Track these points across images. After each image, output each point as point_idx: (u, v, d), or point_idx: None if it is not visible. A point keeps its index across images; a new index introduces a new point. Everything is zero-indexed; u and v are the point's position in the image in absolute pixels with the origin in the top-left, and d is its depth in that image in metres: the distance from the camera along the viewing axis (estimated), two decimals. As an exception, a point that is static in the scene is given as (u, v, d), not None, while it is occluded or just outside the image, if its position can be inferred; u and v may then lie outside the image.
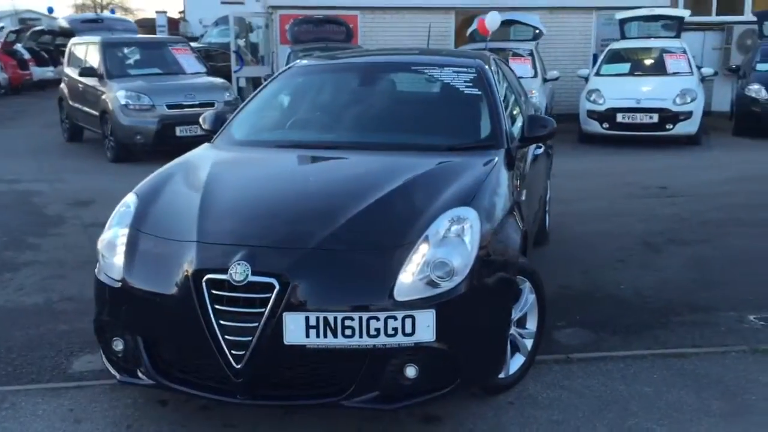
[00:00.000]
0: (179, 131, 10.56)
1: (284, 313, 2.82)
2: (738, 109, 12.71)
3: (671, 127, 11.29)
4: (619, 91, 11.80)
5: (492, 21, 12.08)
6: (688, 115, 11.29)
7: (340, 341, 2.83)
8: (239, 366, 2.88)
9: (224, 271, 2.90)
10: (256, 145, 4.12)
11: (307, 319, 2.82)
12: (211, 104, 10.84)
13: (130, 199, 3.46)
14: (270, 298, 2.85)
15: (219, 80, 11.85)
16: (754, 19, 15.19)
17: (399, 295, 2.86)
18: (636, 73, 12.50)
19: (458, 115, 4.16)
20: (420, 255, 2.94)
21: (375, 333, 2.82)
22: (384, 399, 2.93)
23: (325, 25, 13.82)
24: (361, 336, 2.82)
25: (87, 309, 4.68)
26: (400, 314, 2.82)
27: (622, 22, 14.25)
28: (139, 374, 3.15)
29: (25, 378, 3.79)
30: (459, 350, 2.95)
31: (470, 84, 4.28)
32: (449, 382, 2.98)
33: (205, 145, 4.24)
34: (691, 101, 11.39)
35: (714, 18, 16.54)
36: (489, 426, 3.27)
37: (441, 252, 2.95)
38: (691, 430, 3.25)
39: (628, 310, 4.69)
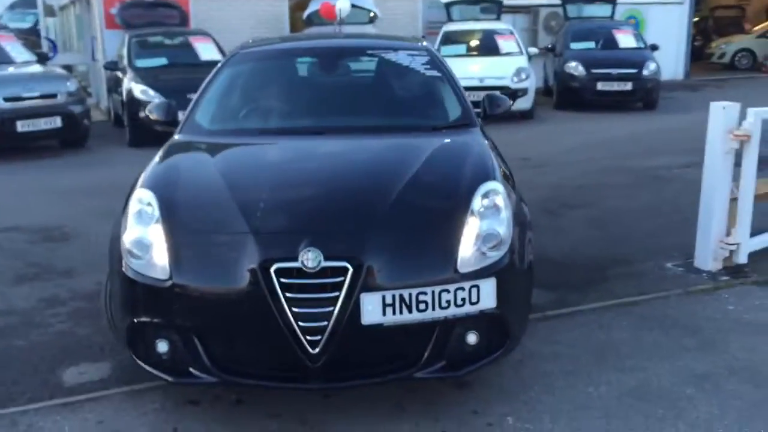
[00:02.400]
0: (20, 126, 9.72)
1: (361, 294, 2.90)
2: (559, 85, 13.97)
3: (512, 103, 12.16)
4: (460, 71, 12.45)
5: (343, 5, 12.24)
6: (525, 91, 12.26)
7: (415, 316, 2.95)
8: (315, 351, 2.91)
9: (294, 259, 2.90)
10: (238, 133, 4.04)
11: (383, 297, 2.91)
12: (53, 96, 10.09)
13: (146, 195, 3.30)
14: (344, 281, 2.90)
15: (58, 69, 11.00)
16: (559, 2, 16.70)
17: (462, 267, 3.04)
18: (472, 54, 13.31)
19: (428, 96, 4.36)
20: (472, 228, 3.13)
21: (446, 305, 2.97)
22: (450, 367, 3.10)
23: (158, 9, 13.29)
24: (433, 309, 2.96)
25: (32, 321, 4.38)
26: (467, 285, 3.00)
27: (448, 5, 15.08)
28: (194, 372, 3.06)
29: (21, 398, 3.49)
30: (509, 313, 3.18)
31: (428, 66, 4.49)
32: (501, 344, 3.20)
33: (176, 137, 4.08)
34: (526, 78, 12.38)
35: (524, 2, 17.90)
36: (516, 382, 3.55)
37: (487, 224, 3.17)
38: (678, 364, 3.74)
39: (564, 269, 5.18)
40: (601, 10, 16.15)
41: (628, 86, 13.17)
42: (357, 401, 3.36)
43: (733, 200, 4.93)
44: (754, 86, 18.66)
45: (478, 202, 3.23)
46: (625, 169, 8.57)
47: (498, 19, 14.97)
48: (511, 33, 13.59)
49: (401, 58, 4.56)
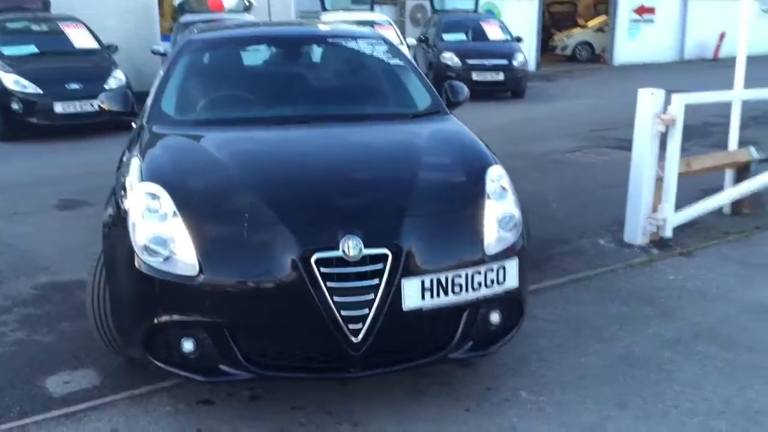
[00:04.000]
0: None
1: (402, 280, 2.92)
2: (434, 75, 14.35)
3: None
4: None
5: (229, -1, 11.95)
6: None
7: (451, 299, 3.01)
8: (357, 339, 2.90)
9: (334, 248, 2.87)
10: (218, 123, 3.85)
11: (422, 282, 2.95)
12: None
13: (154, 189, 3.10)
14: (383, 268, 2.91)
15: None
16: (425, -6, 17.17)
17: (488, 249, 3.13)
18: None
19: (399, 84, 4.38)
20: (491, 211, 3.23)
21: (477, 286, 3.05)
22: (477, 347, 3.19)
23: (17, -8, 12.26)
24: (467, 291, 3.03)
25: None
26: (495, 266, 3.10)
27: (322, -6, 15.07)
28: (225, 370, 2.95)
29: (12, 412, 3.20)
30: (524, 291, 3.33)
31: (390, 54, 4.53)
32: (517, 321, 3.33)
33: (146, 127, 3.84)
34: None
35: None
36: (515, 359, 3.70)
37: (502, 207, 3.29)
38: (648, 332, 4.05)
39: (509, 250, 5.41)
40: (465, 3, 16.77)
41: (500, 76, 13.79)
42: (373, 388, 3.37)
43: (659, 179, 5.36)
44: (597, 75, 20.22)
45: (490, 186, 3.34)
46: (520, 155, 8.97)
47: (372, 9, 15.14)
48: (390, 24, 13.81)
49: (362, 46, 4.57)
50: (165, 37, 13.96)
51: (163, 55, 11.98)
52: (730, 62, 20.17)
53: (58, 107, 9.70)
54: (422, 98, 4.31)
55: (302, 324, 2.93)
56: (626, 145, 9.37)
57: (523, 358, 3.72)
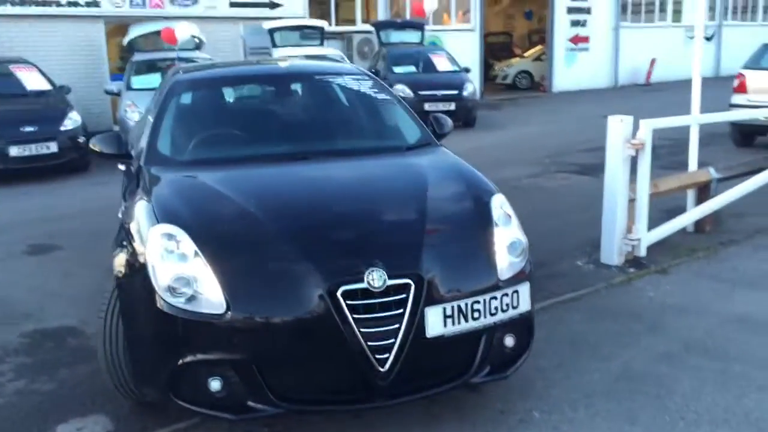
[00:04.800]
0: None
1: (426, 309, 3.00)
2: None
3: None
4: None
5: (183, 32, 11.92)
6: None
7: (471, 324, 3.10)
8: (384, 369, 2.96)
9: (360, 280, 2.93)
10: (219, 162, 3.87)
11: (444, 309, 3.03)
12: None
13: (170, 230, 3.11)
14: (407, 297, 2.98)
15: None
16: (370, 29, 17.42)
17: (502, 274, 3.25)
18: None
19: (389, 118, 4.49)
20: (500, 238, 3.35)
21: (494, 311, 3.16)
22: (495, 370, 3.28)
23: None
24: (485, 316, 3.13)
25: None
26: (510, 291, 3.21)
27: (271, 31, 15.17)
28: (254, 406, 2.96)
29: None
30: (533, 313, 3.44)
31: (376, 90, 4.65)
32: (528, 343, 3.44)
33: (145, 169, 3.85)
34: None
35: (338, 29, 18.40)
36: (520, 380, 3.75)
37: (510, 233, 3.41)
38: (641, 347, 4.21)
39: (492, 275, 5.54)
40: (412, 36, 17.10)
41: (452, 106, 14.06)
42: (387, 416, 3.41)
43: (631, 201, 5.59)
44: (540, 102, 20.79)
45: (496, 213, 3.46)
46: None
47: (321, 44, 15.31)
48: (342, 58, 13.97)
49: (349, 82, 4.68)
50: (115, 77, 13.83)
51: (116, 94, 11.89)
52: (661, 86, 21.15)
53: (13, 151, 9.50)
54: (412, 131, 4.42)
55: (330, 356, 2.98)
56: (582, 170, 9.80)
57: (527, 379, 3.82)
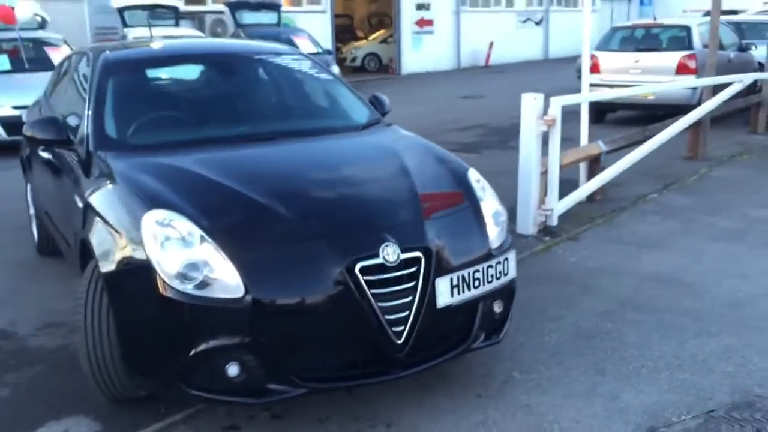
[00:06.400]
0: None
1: (436, 280, 3.09)
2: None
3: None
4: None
5: (23, 9, 11.00)
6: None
7: (473, 293, 3.22)
8: (401, 341, 3.02)
9: (375, 255, 2.97)
10: (181, 145, 3.66)
11: (451, 279, 3.14)
12: None
13: (165, 216, 2.96)
14: (418, 270, 3.06)
15: None
16: (223, 9, 17.00)
17: (493, 244, 3.40)
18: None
19: (339, 97, 4.47)
20: (485, 209, 3.50)
21: (490, 279, 3.30)
22: (488, 336, 3.44)
23: None
24: (483, 285, 3.27)
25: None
26: (501, 258, 3.36)
27: (121, 10, 14.41)
28: (275, 388, 2.92)
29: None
30: (515, 280, 3.63)
31: (317, 70, 4.64)
32: (509, 309, 3.63)
33: (96, 155, 3.61)
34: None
35: (197, 7, 17.75)
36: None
37: (491, 205, 3.57)
38: (583, 307, 4.54)
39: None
40: (268, 17, 16.87)
41: (318, 88, 14.08)
42: (381, 391, 3.47)
43: (543, 173, 5.96)
44: (392, 84, 21.17)
45: (476, 187, 3.61)
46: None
47: (176, 25, 14.74)
48: (204, 38, 13.52)
49: (289, 62, 4.63)
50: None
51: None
52: (500, 68, 22.39)
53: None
54: (361, 110, 4.45)
55: (350, 332, 3.00)
56: (464, 148, 10.18)
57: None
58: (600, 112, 11.63)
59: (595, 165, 6.93)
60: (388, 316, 2.99)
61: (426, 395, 3.49)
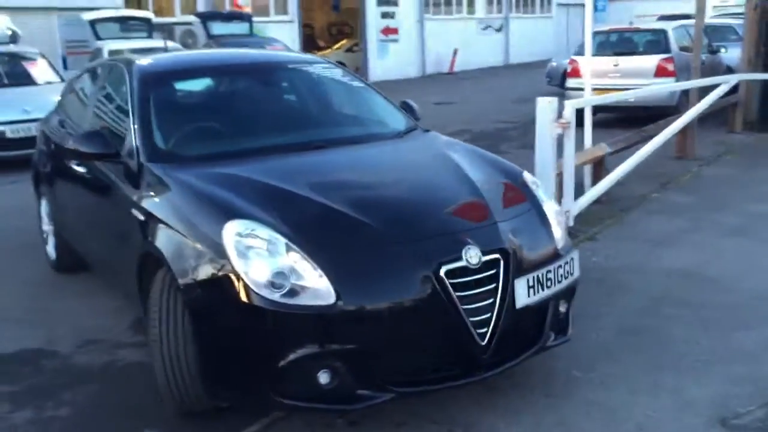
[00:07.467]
0: None
1: (515, 281, 3.11)
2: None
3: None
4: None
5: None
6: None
7: (546, 293, 3.26)
8: (484, 342, 3.04)
9: (458, 258, 2.98)
10: (235, 156, 3.63)
11: (527, 280, 3.17)
12: None
13: (249, 226, 2.95)
14: (498, 272, 3.08)
15: None
16: (195, 20, 16.84)
17: (558, 243, 3.45)
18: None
19: (375, 105, 4.48)
20: (548, 210, 3.54)
21: (560, 279, 3.34)
22: (558, 335, 3.48)
23: None
24: (555, 284, 3.31)
25: None
26: (568, 258, 3.41)
27: (93, 23, 14.19)
28: (364, 394, 2.91)
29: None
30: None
31: (349, 78, 4.65)
32: (571, 306, 3.66)
33: (148, 167, 3.56)
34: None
35: (167, 19, 17.54)
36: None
37: (552, 206, 3.62)
38: (621, 305, 4.61)
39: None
40: (239, 28, 16.78)
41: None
42: (451, 394, 3.46)
43: (558, 175, 6.03)
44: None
45: (534, 188, 3.65)
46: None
47: (150, 37, 14.54)
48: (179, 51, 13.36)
49: (322, 71, 4.63)
50: None
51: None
52: (464, 75, 22.64)
53: None
54: (397, 116, 4.47)
55: (437, 335, 3.01)
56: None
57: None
58: (581, 114, 11.81)
59: (599, 167, 7.05)
60: (472, 318, 3.00)
61: (498, 397, 3.50)
